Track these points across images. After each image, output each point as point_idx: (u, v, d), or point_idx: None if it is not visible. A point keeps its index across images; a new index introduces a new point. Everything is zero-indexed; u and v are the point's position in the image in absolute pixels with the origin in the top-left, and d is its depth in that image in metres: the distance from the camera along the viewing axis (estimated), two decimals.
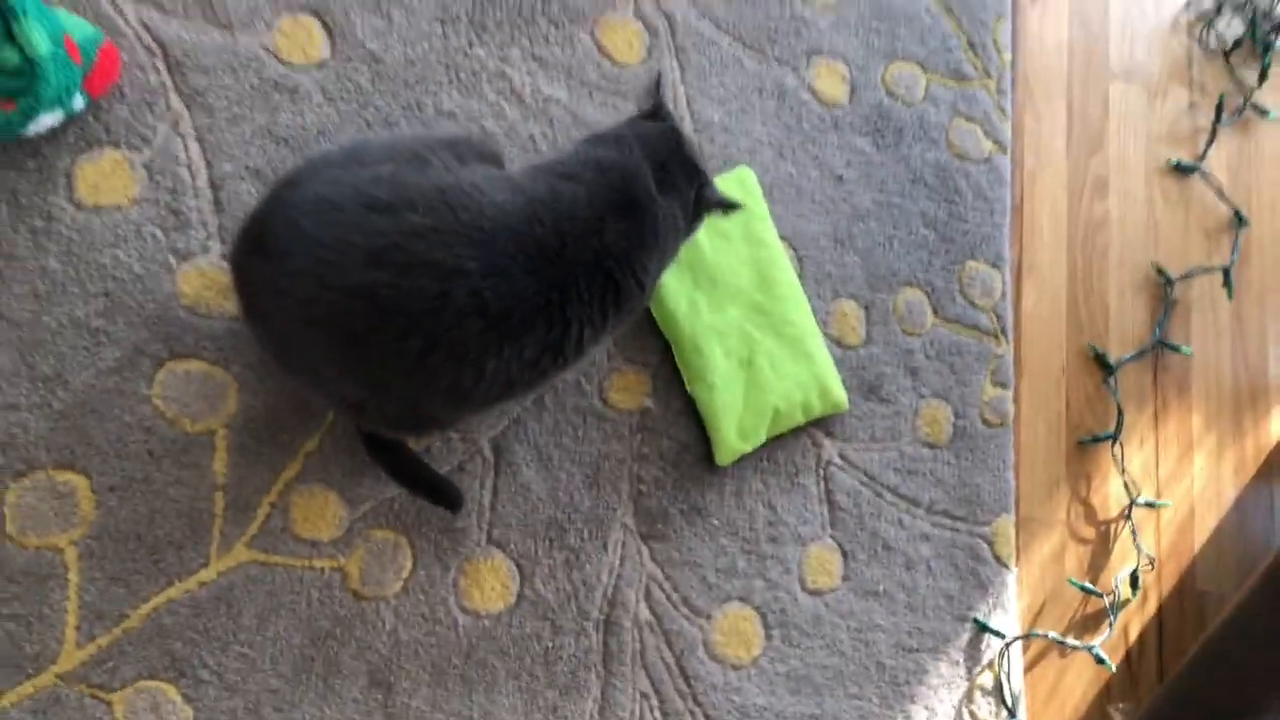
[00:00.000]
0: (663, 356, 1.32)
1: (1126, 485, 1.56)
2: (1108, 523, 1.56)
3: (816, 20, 1.49)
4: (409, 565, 1.18)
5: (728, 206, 1.16)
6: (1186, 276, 1.68)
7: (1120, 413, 1.58)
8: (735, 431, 1.31)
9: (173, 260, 1.13)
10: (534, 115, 1.31)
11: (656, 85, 1.17)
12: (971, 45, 1.58)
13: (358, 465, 1.17)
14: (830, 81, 1.48)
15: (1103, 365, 1.60)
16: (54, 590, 1.06)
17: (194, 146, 1.16)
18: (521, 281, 0.95)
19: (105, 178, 1.12)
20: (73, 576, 1.06)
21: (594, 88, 1.34)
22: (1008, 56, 1.61)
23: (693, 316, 1.31)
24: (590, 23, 1.36)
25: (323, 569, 1.15)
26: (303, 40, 1.22)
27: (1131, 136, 1.71)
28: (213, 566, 1.11)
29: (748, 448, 1.33)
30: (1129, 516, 1.55)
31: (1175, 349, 1.64)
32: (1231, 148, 1.77)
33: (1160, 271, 1.66)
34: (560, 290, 0.98)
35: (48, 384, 1.07)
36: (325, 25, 1.24)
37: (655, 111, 1.16)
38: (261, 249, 0.92)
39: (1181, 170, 1.72)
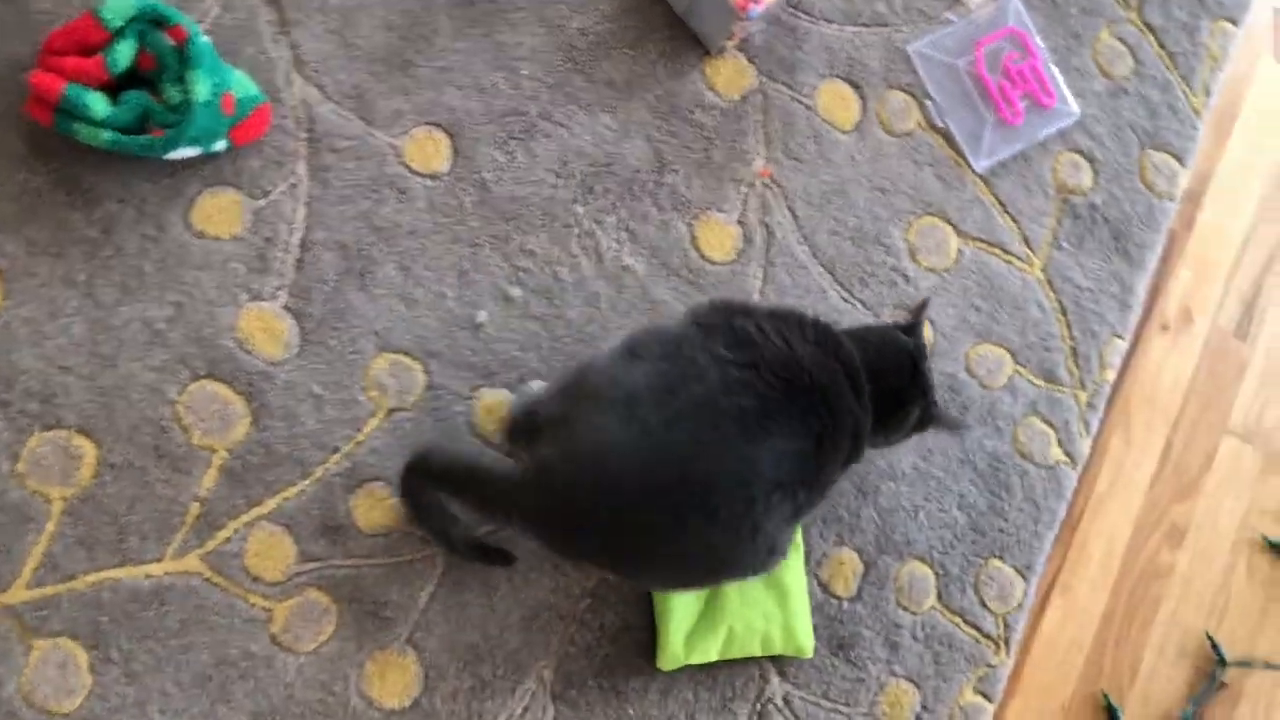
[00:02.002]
0: None
1: None
2: None
3: (917, 277, 1.56)
4: (329, 632, 1.29)
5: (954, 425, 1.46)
6: (1244, 664, 1.59)
7: None
8: (683, 640, 1.35)
9: (243, 296, 1.33)
10: (606, 277, 1.45)
11: (922, 308, 1.38)
12: (1075, 352, 1.60)
13: (327, 527, 1.30)
14: None
15: (1112, 719, 1.52)
16: (30, 532, 1.24)
17: (301, 210, 1.36)
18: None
19: (220, 211, 1.35)
20: (50, 526, 1.24)
21: (673, 272, 1.47)
22: (1110, 375, 1.62)
23: None
24: (692, 214, 1.50)
25: (254, 604, 1.28)
26: (429, 151, 1.43)
27: (1230, 498, 1.66)
28: (164, 564, 1.26)
29: (694, 660, 1.37)
30: None
31: None
32: None
33: (1215, 647, 1.58)
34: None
35: (102, 361, 1.28)
36: (454, 144, 1.44)
37: (911, 329, 1.35)
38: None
39: (1278, 551, 1.63)
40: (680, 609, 1.37)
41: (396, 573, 1.34)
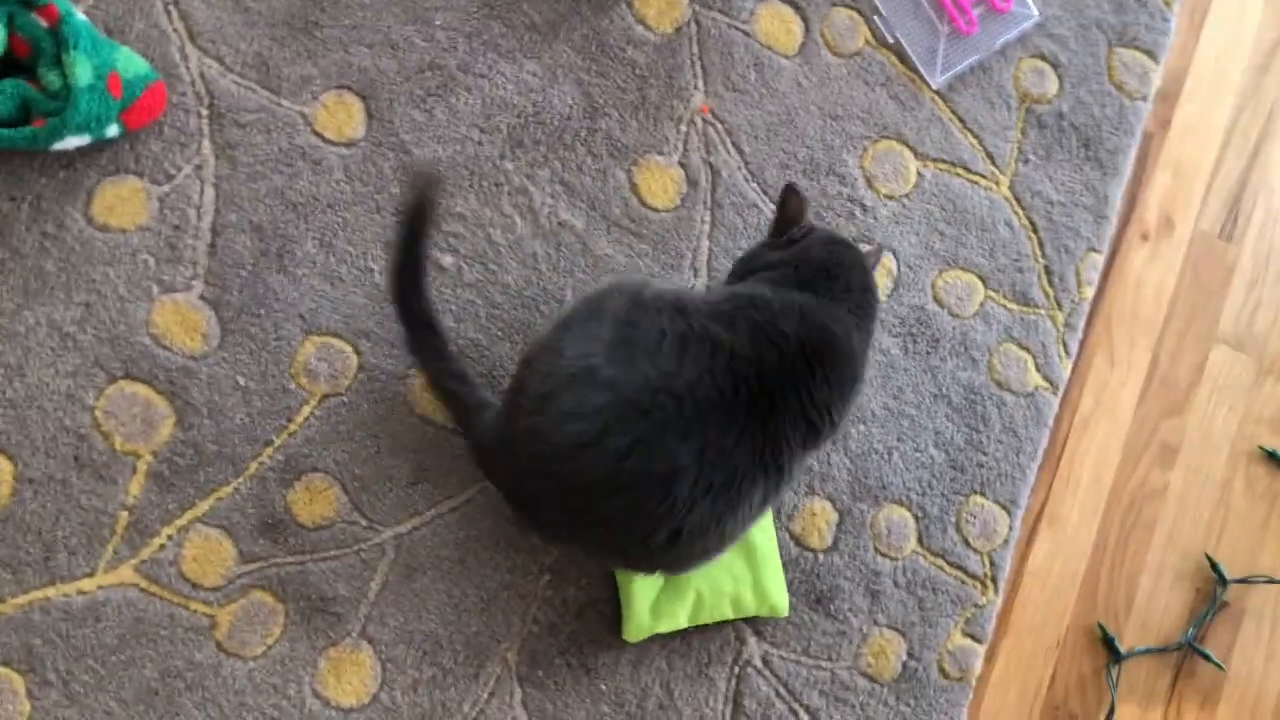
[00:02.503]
0: None
1: None
2: None
3: (877, 207, 1.47)
4: (277, 633, 1.24)
5: None
6: (1247, 581, 1.53)
7: (1113, 708, 1.44)
8: (648, 608, 1.29)
9: (155, 290, 1.25)
10: (544, 235, 1.36)
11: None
12: (1049, 272, 1.51)
13: (266, 525, 1.24)
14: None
15: (1110, 649, 1.47)
16: None
17: (209, 192, 1.28)
18: (738, 456, 1.09)
19: (122, 201, 1.26)
20: None
21: (614, 224, 1.38)
22: (1089, 292, 1.53)
23: None
24: (630, 159, 1.41)
25: (196, 611, 1.22)
26: (342, 117, 1.33)
27: (1224, 409, 1.57)
28: (96, 579, 1.20)
29: (661, 628, 1.31)
30: None
31: (1207, 657, 1.48)
32: None
33: (1214, 566, 1.51)
34: (773, 447, 1.12)
35: (9, 372, 1.22)
36: (368, 107, 1.35)
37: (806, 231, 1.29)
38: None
39: (1276, 461, 1.56)
40: (643, 578, 1.31)
41: (343, 565, 1.27)
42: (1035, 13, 1.57)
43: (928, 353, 1.49)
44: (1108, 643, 1.50)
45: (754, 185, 1.46)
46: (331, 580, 1.27)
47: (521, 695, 1.30)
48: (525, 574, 1.32)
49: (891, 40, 1.53)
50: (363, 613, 1.28)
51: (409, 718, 1.26)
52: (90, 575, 1.21)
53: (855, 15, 1.53)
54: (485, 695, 1.29)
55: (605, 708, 1.31)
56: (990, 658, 1.47)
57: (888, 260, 1.48)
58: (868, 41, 1.53)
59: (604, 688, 1.33)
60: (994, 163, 1.54)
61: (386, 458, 1.30)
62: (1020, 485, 1.49)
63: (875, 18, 1.53)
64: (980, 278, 1.52)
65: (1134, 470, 1.57)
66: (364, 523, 1.29)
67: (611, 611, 1.33)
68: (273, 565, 1.26)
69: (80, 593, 1.21)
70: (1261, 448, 1.60)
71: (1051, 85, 1.58)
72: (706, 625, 1.35)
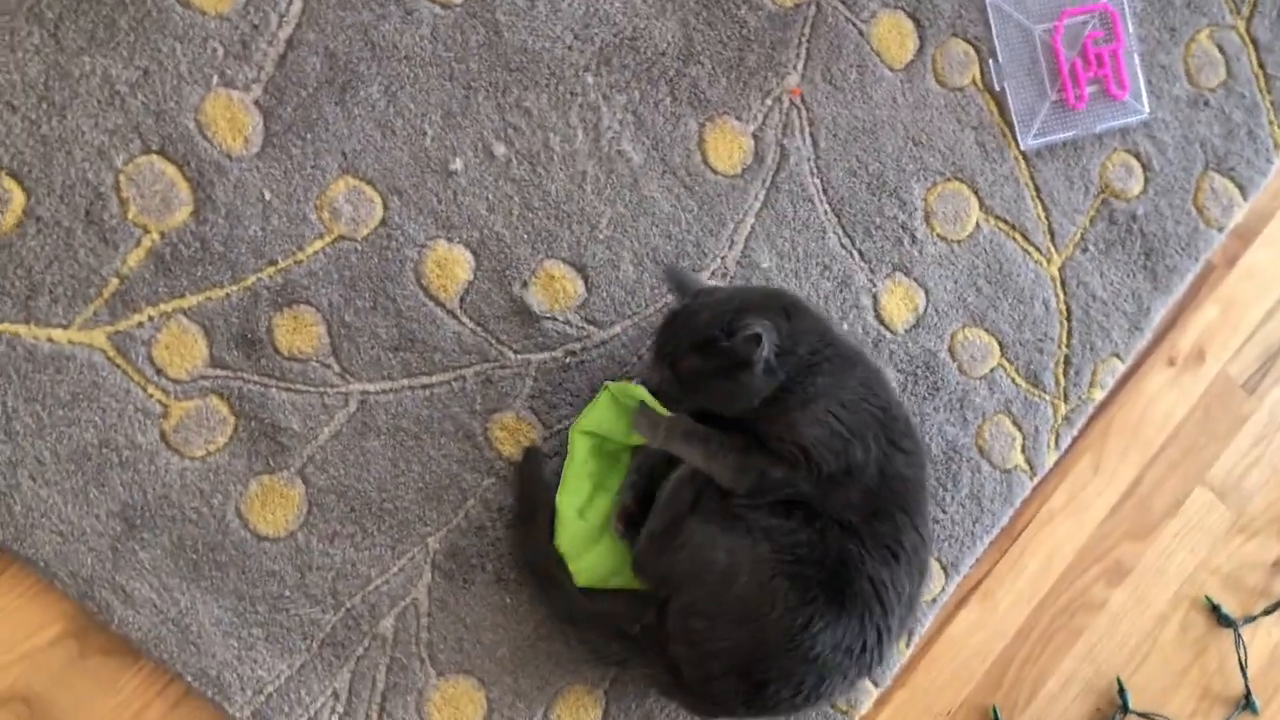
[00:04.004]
0: (563, 427, 1.30)
1: None
2: None
3: (927, 243, 1.44)
4: (221, 443, 1.24)
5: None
6: (1147, 716, 1.49)
7: None
8: (572, 553, 1.28)
9: (215, 80, 1.24)
10: (599, 158, 1.34)
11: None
12: (1068, 362, 1.48)
13: (245, 339, 1.24)
14: (898, 304, 1.43)
15: None
16: None
17: (297, 4, 1.26)
18: None
19: None
20: None
21: (671, 171, 1.36)
22: (1098, 395, 1.50)
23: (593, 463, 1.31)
24: (708, 114, 1.38)
25: (152, 396, 1.22)
26: None
27: (1185, 550, 1.55)
28: (69, 333, 1.20)
29: (579, 583, 1.29)
30: None
31: None
32: None
33: (1123, 691, 1.49)
34: None
35: (51, 109, 1.20)
36: None
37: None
38: None
39: (1217, 616, 1.54)
40: (569, 528, 1.28)
41: (304, 402, 1.26)
42: (1146, 110, 1.52)
43: (924, 397, 1.46)
44: None
45: (816, 180, 1.43)
46: (288, 412, 1.26)
47: (429, 581, 1.29)
48: (473, 470, 1.31)
49: (998, 88, 1.49)
50: (307, 453, 1.27)
51: (315, 564, 1.26)
52: (64, 327, 1.20)
53: (971, 52, 1.48)
54: (395, 570, 1.28)
55: (504, 621, 1.31)
56: (881, 702, 1.46)
57: (915, 295, 1.46)
58: (974, 81, 1.49)
59: (508, 601, 1.32)
60: (1053, 240, 1.50)
61: (379, 316, 1.29)
62: (967, 553, 1.47)
63: (990, 61, 1.49)
64: (1000, 344, 1.49)
65: (1080, 576, 1.54)
66: (337, 369, 1.28)
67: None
68: (238, 378, 1.25)
69: (50, 340, 1.20)
70: (1208, 598, 1.57)
71: (1135, 185, 1.53)
72: None
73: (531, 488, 1.30)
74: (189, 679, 1.23)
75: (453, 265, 1.31)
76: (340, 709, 1.26)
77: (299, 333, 1.26)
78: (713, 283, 1.38)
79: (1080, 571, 1.55)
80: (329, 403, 1.27)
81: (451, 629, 1.30)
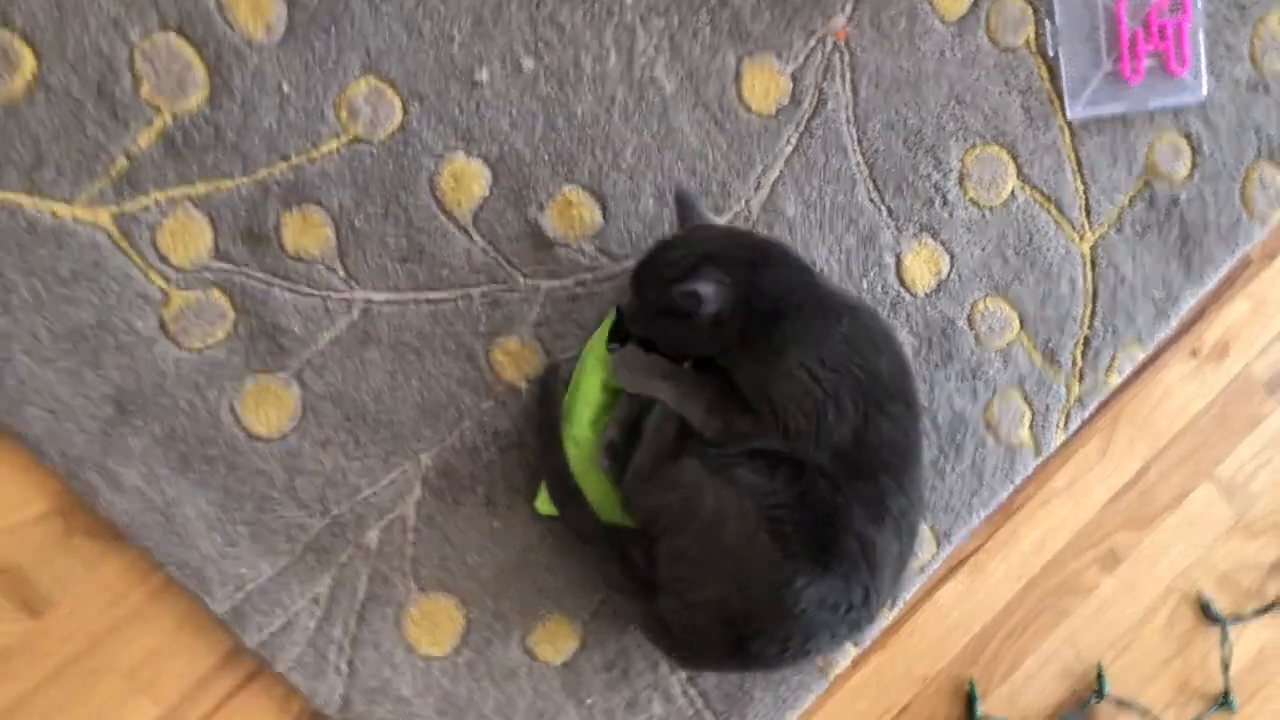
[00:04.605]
0: (567, 357, 1.27)
1: None
2: None
3: (958, 206, 1.39)
4: (220, 337, 1.22)
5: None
6: (1124, 704, 1.48)
7: None
8: None
9: None
10: (630, 83, 1.29)
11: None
12: (1087, 343, 1.43)
13: (251, 233, 1.21)
14: (921, 266, 1.39)
15: (969, 708, 1.44)
16: None
17: None
18: None
19: None
20: None
21: (703, 104, 1.31)
22: (1115, 379, 1.46)
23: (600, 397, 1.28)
24: (747, 49, 1.32)
25: (154, 281, 1.19)
26: None
27: (1183, 544, 1.52)
28: (73, 208, 1.17)
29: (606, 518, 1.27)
30: None
31: None
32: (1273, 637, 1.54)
33: (1100, 677, 1.48)
34: None
35: None
36: None
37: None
38: None
39: (1207, 615, 1.52)
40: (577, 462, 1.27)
41: (307, 305, 1.23)
42: (1204, 91, 1.45)
43: (936, 365, 1.42)
44: (970, 701, 1.47)
45: (852, 130, 1.37)
46: (290, 313, 1.23)
47: (419, 497, 1.27)
48: (473, 391, 1.28)
49: (1051, 52, 1.42)
50: (306, 356, 1.24)
51: (305, 469, 1.24)
52: (68, 202, 1.17)
53: (1028, 11, 1.41)
54: (385, 483, 1.26)
55: (489, 544, 1.29)
56: (858, 663, 1.44)
57: (940, 259, 1.40)
58: (1027, 42, 1.41)
59: (496, 525, 1.30)
60: (1089, 216, 1.45)
61: (389, 224, 1.25)
62: (961, 524, 1.44)
63: (1046, 23, 1.41)
64: (1021, 318, 1.44)
65: (1074, 560, 1.51)
66: (342, 274, 1.24)
67: (534, 473, 1.29)
68: (242, 273, 1.22)
69: (54, 214, 1.17)
70: (1200, 594, 1.55)
71: (1182, 169, 1.47)
72: None
73: (550, 403, 1.27)
74: (171, 569, 1.21)
75: (469, 179, 1.26)
76: (319, 613, 1.26)
77: (307, 233, 1.23)
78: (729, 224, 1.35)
79: (1074, 555, 1.52)
80: (332, 308, 1.24)
81: (437, 547, 1.29)
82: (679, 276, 1.14)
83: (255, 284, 1.22)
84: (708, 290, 1.13)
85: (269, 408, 1.24)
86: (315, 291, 1.24)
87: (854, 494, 1.15)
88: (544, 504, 1.28)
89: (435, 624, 1.29)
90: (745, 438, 1.16)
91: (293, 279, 1.23)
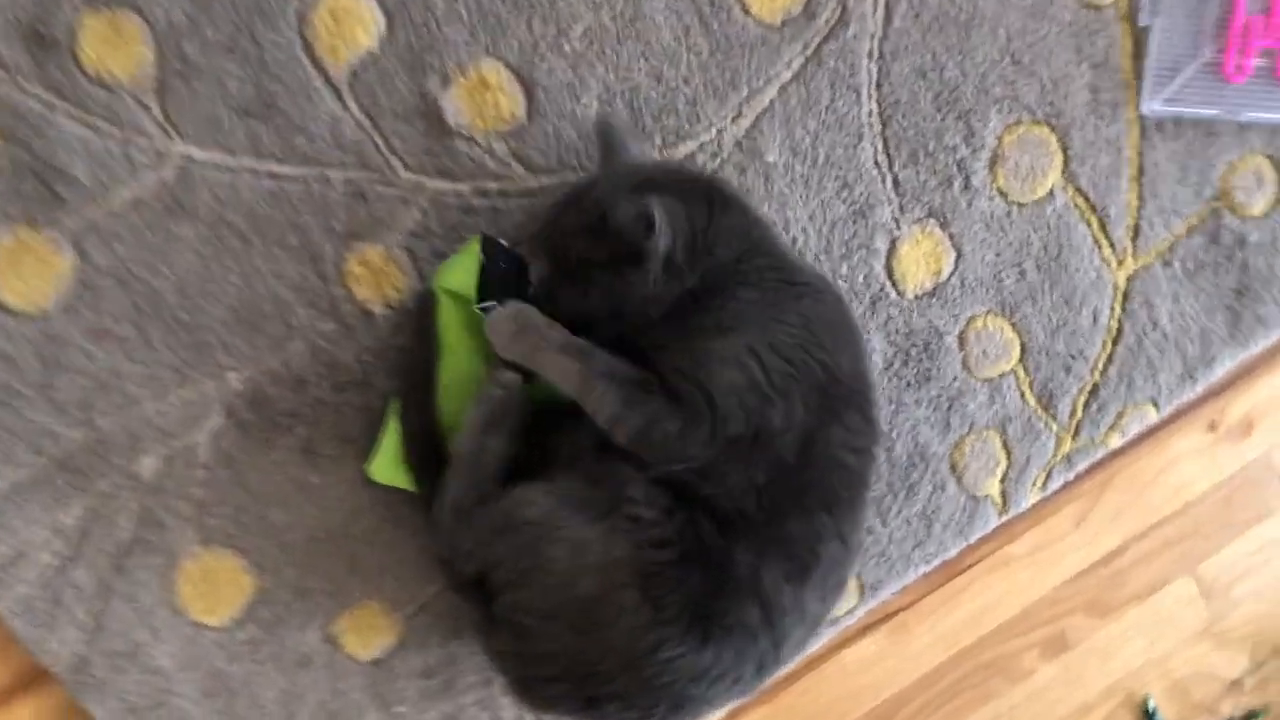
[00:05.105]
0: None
1: None
2: None
3: (981, 194, 1.09)
4: None
5: None
6: None
7: None
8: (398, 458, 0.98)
9: None
10: None
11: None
12: (1094, 391, 1.16)
13: (38, 34, 0.88)
14: (919, 260, 1.10)
15: None
16: None
17: None
18: None
19: None
20: None
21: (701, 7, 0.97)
22: (1115, 441, 1.19)
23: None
24: None
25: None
26: None
27: (1144, 640, 1.31)
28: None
29: (400, 484, 0.98)
30: None
31: None
32: None
33: None
34: None
35: None
36: None
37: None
38: None
39: None
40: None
41: (102, 146, 0.91)
42: None
43: (908, 384, 1.13)
44: None
45: (873, 67, 1.06)
46: (77, 154, 0.91)
47: (217, 426, 0.97)
48: (310, 305, 0.97)
49: (1143, 22, 1.11)
50: (89, 215, 0.92)
51: (69, 363, 0.93)
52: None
53: None
54: (174, 400, 0.96)
55: (302, 501, 0.99)
56: (735, 714, 1.20)
57: (943, 256, 1.12)
58: (1116, 4, 1.11)
59: (314, 480, 1.00)
60: (1135, 239, 1.16)
61: (234, 61, 0.93)
62: (895, 578, 1.18)
63: None
64: (1023, 347, 1.16)
65: (1015, 639, 1.27)
66: (158, 115, 0.92)
67: (374, 426, 0.99)
68: (17, 86, 0.89)
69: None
70: (1147, 699, 1.32)
71: (1261, 203, 1.17)
72: None
73: (425, 341, 0.97)
74: None
75: (353, 22, 0.93)
76: (61, 548, 0.96)
77: (116, 48, 0.89)
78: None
79: (1017, 634, 1.27)
80: (136, 157, 0.92)
81: (232, 493, 0.99)
82: (621, 197, 0.85)
83: (35, 105, 0.89)
84: (662, 216, 0.83)
85: (28, 274, 0.91)
86: (116, 131, 0.91)
87: (775, 536, 0.88)
88: (382, 468, 0.98)
89: (215, 586, 1.00)
90: (666, 446, 0.86)
91: (89, 109, 0.90)
